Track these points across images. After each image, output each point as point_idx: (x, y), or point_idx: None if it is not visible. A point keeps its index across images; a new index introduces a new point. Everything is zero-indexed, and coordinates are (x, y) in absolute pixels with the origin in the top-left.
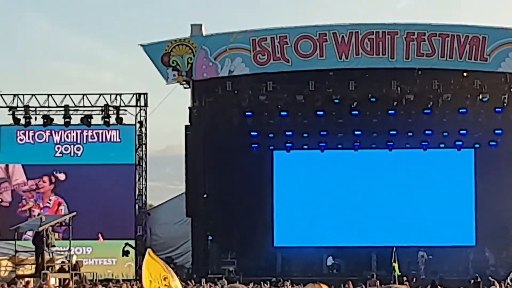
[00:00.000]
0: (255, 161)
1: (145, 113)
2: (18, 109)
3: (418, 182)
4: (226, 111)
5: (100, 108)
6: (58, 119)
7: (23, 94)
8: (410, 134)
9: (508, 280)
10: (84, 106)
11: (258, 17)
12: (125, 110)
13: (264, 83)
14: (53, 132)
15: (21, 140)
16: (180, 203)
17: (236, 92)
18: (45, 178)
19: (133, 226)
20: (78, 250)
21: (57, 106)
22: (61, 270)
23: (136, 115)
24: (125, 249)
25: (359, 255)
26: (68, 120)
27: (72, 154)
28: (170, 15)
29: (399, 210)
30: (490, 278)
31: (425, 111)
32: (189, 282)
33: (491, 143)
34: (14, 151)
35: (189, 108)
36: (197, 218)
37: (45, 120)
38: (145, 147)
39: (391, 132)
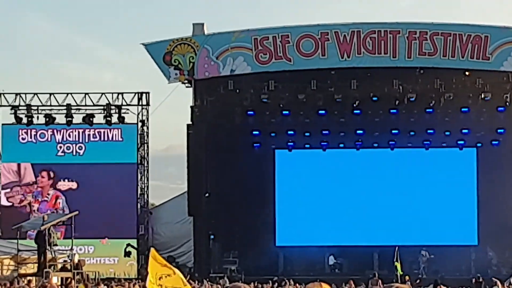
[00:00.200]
0: (257, 160)
1: (147, 112)
2: (20, 108)
3: (420, 181)
4: (228, 110)
5: (102, 107)
6: (60, 118)
7: (25, 93)
8: (412, 133)
9: (511, 280)
10: (86, 105)
11: (260, 16)
12: (127, 109)
13: (266, 82)
14: (55, 131)
15: (23, 139)
16: (182, 202)
17: (238, 91)
18: (44, 173)
19: (135, 225)
20: (80, 249)
21: (59, 105)
22: (63, 269)
23: (138, 114)
24: (127, 249)
25: (361, 254)
26: (70, 119)
27: (74, 153)
28: (172, 14)
29: (401, 209)
30: (493, 278)
31: (427, 110)
32: (191, 281)
33: (493, 142)
34: (16, 150)
35: (191, 107)
36: (199, 217)
37: (47, 119)
38: (147, 146)
39: (393, 131)
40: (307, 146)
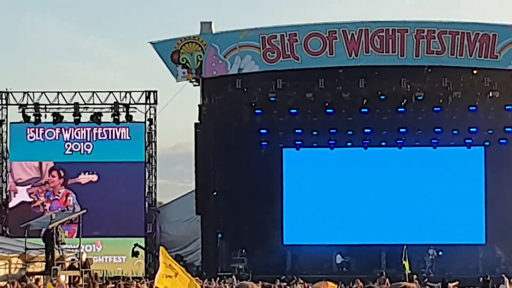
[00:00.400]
0: (265, 159)
1: (155, 110)
2: (28, 106)
3: (428, 180)
4: (236, 109)
5: (109, 106)
6: (68, 117)
7: (33, 92)
8: (419, 132)
9: None
10: (93, 104)
11: (268, 15)
12: (135, 108)
13: (273, 81)
14: (63, 129)
15: (31, 137)
16: (190, 201)
17: (245, 89)
18: (54, 173)
19: (143, 224)
20: (88, 248)
21: (67, 104)
22: (71, 267)
23: (146, 112)
24: (135, 250)
25: (369, 253)
26: (78, 117)
27: (82, 151)
28: (180, 12)
29: (408, 208)
30: (502, 275)
31: (435, 108)
32: (198, 280)
33: (501, 140)
34: (24, 148)
35: (199, 105)
36: (207, 216)
37: (55, 118)
38: (155, 145)
39: (401, 130)
40: (314, 144)
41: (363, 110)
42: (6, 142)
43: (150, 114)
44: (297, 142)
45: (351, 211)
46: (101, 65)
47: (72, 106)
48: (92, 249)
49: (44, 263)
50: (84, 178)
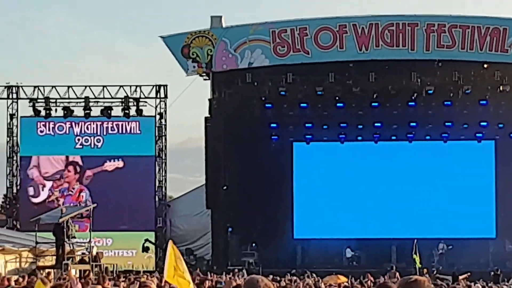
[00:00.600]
0: (275, 153)
1: (165, 104)
2: (38, 100)
3: (438, 174)
4: (246, 103)
5: (120, 100)
6: (78, 111)
7: (44, 86)
8: (430, 126)
9: None
10: (104, 98)
11: (278, 9)
12: (145, 102)
13: (284, 75)
14: (73, 123)
15: (41, 131)
16: (200, 195)
17: (256, 84)
18: (70, 168)
19: (153, 218)
20: (99, 242)
21: (77, 98)
22: (82, 261)
23: (156, 106)
24: (145, 245)
25: (379, 247)
26: (88, 111)
27: (92, 145)
28: (190, 6)
29: (419, 202)
30: None
31: (445, 102)
32: (209, 273)
33: None
34: (34, 142)
35: (209, 100)
36: (217, 210)
37: (65, 112)
38: (165, 139)
39: (411, 124)
40: (325, 138)
41: (373, 104)
42: (16, 136)
43: (160, 108)
44: (307, 136)
45: (361, 205)
46: (112, 59)
47: (83, 100)
48: (103, 243)
49: (55, 257)
50: (110, 166)
